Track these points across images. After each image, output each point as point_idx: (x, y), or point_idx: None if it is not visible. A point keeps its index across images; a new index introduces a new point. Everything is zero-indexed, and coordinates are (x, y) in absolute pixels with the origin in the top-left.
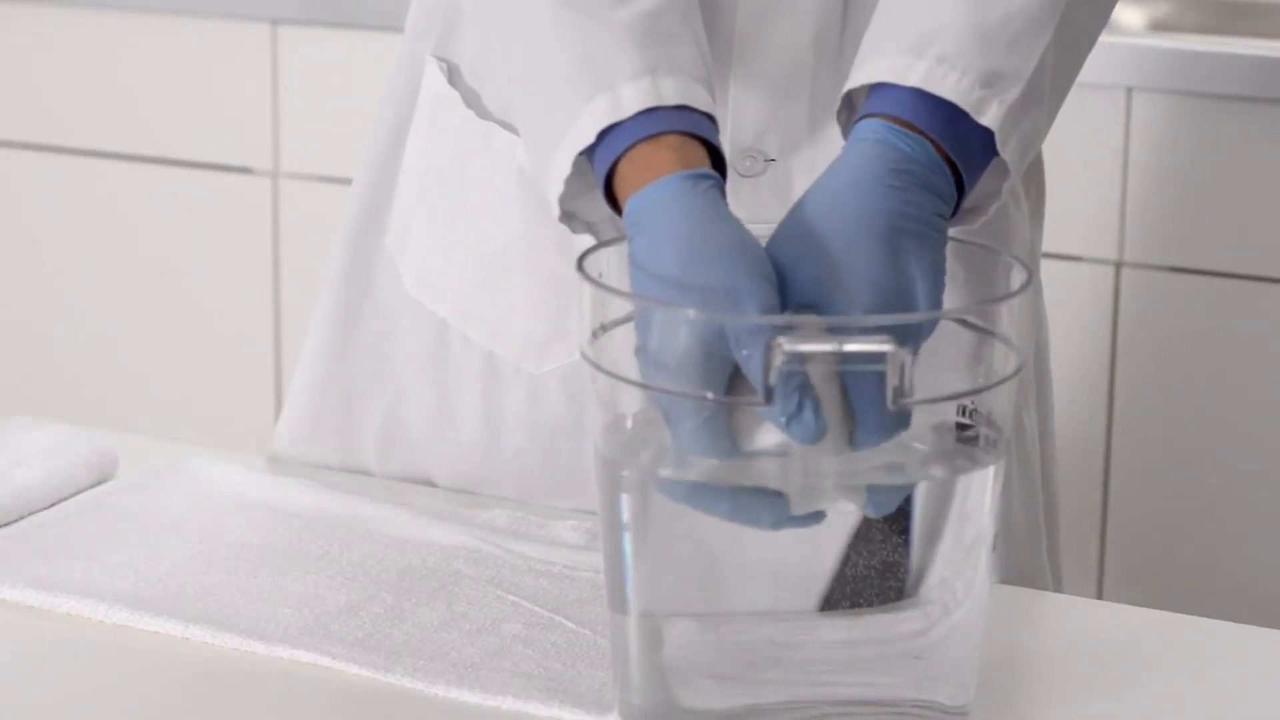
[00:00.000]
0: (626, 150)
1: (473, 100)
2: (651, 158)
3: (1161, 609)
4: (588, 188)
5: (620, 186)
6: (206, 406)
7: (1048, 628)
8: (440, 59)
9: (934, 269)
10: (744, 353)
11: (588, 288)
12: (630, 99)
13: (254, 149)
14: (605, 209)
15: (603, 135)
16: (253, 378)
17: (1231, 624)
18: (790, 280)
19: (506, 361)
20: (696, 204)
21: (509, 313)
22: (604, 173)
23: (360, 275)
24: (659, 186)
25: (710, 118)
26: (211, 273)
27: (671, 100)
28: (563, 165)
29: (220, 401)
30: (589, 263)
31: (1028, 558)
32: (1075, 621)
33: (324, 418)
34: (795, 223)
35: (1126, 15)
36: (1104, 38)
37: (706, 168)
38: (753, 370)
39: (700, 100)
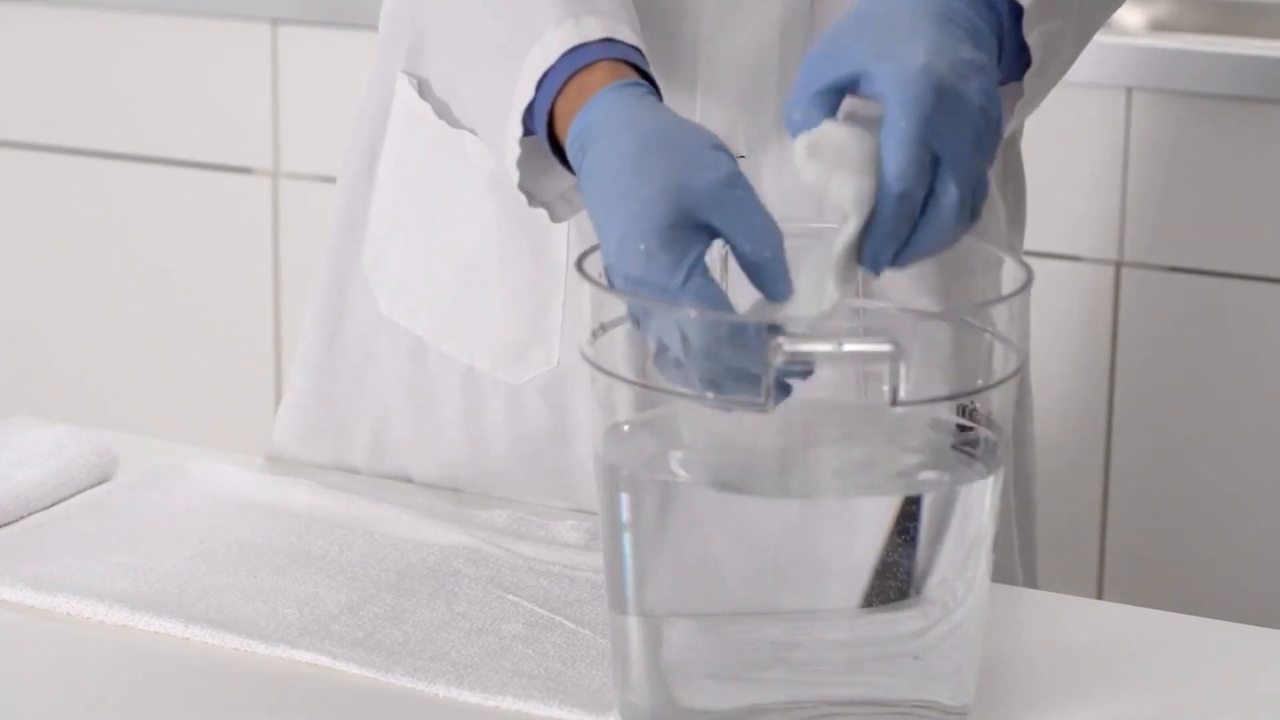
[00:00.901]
0: (560, 90)
1: (443, 111)
2: (583, 86)
3: (1161, 609)
4: (542, 171)
5: (560, 127)
6: (206, 406)
7: (1047, 628)
8: (410, 75)
9: (987, 71)
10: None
11: (588, 288)
12: (555, 41)
13: (254, 149)
14: (561, 184)
15: (539, 89)
16: (253, 378)
17: (1231, 624)
18: (841, 54)
19: (486, 374)
20: (632, 104)
21: (485, 322)
22: (545, 123)
23: (338, 299)
24: (592, 103)
25: (639, 50)
26: (211, 273)
27: (594, 35)
28: (514, 128)
29: (220, 401)
30: (589, 263)
31: (996, 560)
32: (1075, 621)
33: (314, 435)
34: (838, 25)
35: (1126, 15)
36: (1104, 38)
37: (638, 79)
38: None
39: (624, 34)
